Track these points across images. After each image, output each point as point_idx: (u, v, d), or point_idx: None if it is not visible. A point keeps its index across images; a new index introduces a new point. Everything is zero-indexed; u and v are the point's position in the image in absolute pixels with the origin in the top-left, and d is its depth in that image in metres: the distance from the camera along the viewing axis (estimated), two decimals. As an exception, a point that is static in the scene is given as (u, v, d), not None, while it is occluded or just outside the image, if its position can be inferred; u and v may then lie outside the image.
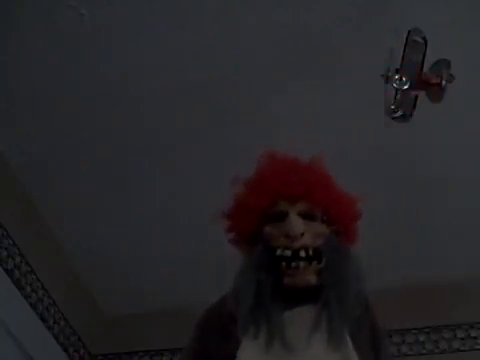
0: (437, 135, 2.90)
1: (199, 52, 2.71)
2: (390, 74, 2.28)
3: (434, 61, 2.34)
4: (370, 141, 2.91)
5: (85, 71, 2.79)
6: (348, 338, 1.66)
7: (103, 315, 3.69)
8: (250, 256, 1.79)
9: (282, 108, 2.86)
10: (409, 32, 2.28)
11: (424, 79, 2.31)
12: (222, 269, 3.42)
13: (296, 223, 1.75)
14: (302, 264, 1.71)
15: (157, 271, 3.49)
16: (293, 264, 1.71)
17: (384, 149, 2.94)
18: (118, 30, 2.66)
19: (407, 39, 2.28)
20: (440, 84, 2.31)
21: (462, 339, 3.34)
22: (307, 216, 1.78)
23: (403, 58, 2.29)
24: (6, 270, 3.05)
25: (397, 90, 2.30)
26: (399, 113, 2.36)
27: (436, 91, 2.33)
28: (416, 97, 2.36)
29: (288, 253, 1.72)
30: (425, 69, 2.32)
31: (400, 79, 2.28)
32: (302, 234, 1.74)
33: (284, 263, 1.72)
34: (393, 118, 2.39)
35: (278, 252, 1.74)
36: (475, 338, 3.35)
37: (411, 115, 2.39)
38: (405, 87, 2.29)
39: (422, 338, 3.39)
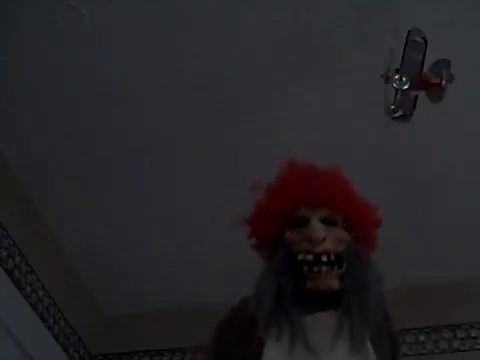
0: (437, 135, 2.90)
1: (199, 52, 2.71)
2: (390, 74, 2.28)
3: (434, 61, 2.34)
4: (370, 141, 2.91)
5: (85, 71, 2.79)
6: (369, 344, 1.68)
7: (103, 315, 3.69)
8: (271, 261, 1.81)
9: (282, 108, 2.86)
10: (409, 32, 2.28)
11: (424, 79, 2.31)
12: (222, 269, 3.44)
13: (318, 228, 1.77)
14: (324, 268, 1.73)
15: (157, 271, 3.49)
16: (315, 268, 1.73)
17: (384, 149, 2.94)
18: (118, 30, 2.66)
19: (407, 39, 2.28)
20: (440, 84, 2.31)
21: (462, 339, 3.34)
22: (328, 222, 1.80)
23: (403, 58, 2.29)
24: (6, 270, 3.05)
25: (397, 90, 2.30)
26: (399, 113, 2.36)
27: (436, 91, 2.33)
28: (416, 97, 2.36)
29: (310, 257, 1.74)
30: (425, 69, 2.32)
31: (400, 79, 2.28)
32: (324, 239, 1.76)
33: (306, 267, 1.74)
34: (393, 118, 2.39)
35: (300, 257, 1.75)
36: (475, 338, 3.35)
37: (411, 115, 2.39)
38: (405, 87, 2.29)
39: (422, 338, 3.39)
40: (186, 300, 3.56)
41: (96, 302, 3.67)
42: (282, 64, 2.73)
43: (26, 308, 3.16)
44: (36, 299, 3.24)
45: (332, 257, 1.75)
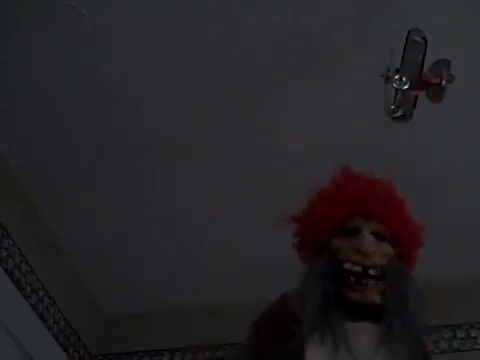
0: (437, 135, 2.90)
1: (199, 52, 2.71)
2: (390, 74, 2.28)
3: (434, 61, 2.34)
4: (370, 141, 2.91)
5: (85, 71, 2.79)
6: None
7: (103, 315, 3.69)
8: (315, 264, 1.81)
9: (282, 108, 2.86)
10: (409, 32, 2.28)
11: (424, 79, 2.31)
12: (222, 269, 3.44)
13: (370, 241, 1.78)
14: (371, 282, 1.75)
15: (157, 271, 3.49)
16: (363, 281, 1.75)
17: (384, 149, 2.94)
18: (118, 30, 2.66)
19: (407, 39, 2.28)
20: (440, 84, 2.31)
21: (462, 339, 3.34)
22: (378, 235, 1.81)
23: (403, 58, 2.29)
24: (6, 270, 3.05)
25: (397, 90, 2.29)
26: (399, 113, 2.36)
27: (436, 91, 2.33)
28: (416, 97, 2.36)
29: (358, 269, 1.76)
30: (425, 69, 2.32)
31: (400, 79, 2.28)
32: (374, 252, 1.78)
33: (353, 278, 1.75)
34: (393, 118, 2.39)
35: (346, 266, 1.77)
36: (475, 338, 3.35)
37: (411, 115, 2.39)
38: (405, 87, 2.29)
39: (422, 338, 3.39)
40: (186, 300, 3.56)
41: (96, 302, 3.67)
42: (282, 64, 2.73)
43: (26, 308, 3.16)
44: (36, 299, 3.24)
45: (379, 271, 1.77)
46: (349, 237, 1.80)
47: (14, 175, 3.16)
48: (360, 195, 1.83)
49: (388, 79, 2.29)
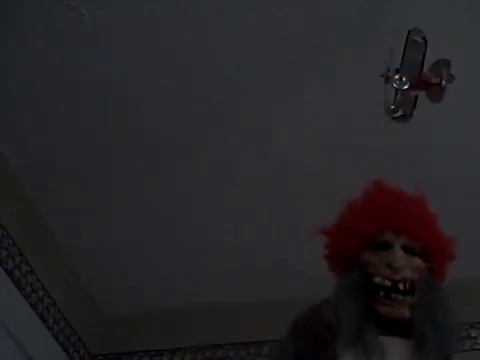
0: (437, 135, 2.90)
1: (199, 52, 2.71)
2: (390, 74, 2.28)
3: (434, 61, 2.34)
4: (370, 141, 2.91)
5: (85, 71, 2.79)
6: None
7: (103, 315, 3.69)
8: (345, 277, 1.84)
9: (282, 108, 2.86)
10: (409, 32, 2.28)
11: (424, 79, 2.31)
12: (222, 269, 3.44)
13: (401, 256, 1.80)
14: (400, 297, 1.77)
15: (157, 271, 3.49)
16: (392, 296, 1.77)
17: (384, 149, 2.94)
18: (118, 30, 2.66)
19: (407, 39, 2.28)
20: (440, 84, 2.31)
21: (462, 339, 3.34)
22: (408, 250, 1.83)
23: (403, 58, 2.29)
24: (6, 270, 3.05)
25: (397, 90, 2.30)
26: (399, 113, 2.36)
27: (436, 91, 2.33)
28: (416, 97, 2.36)
29: (388, 283, 1.78)
30: (425, 69, 2.32)
31: (400, 79, 2.28)
32: (404, 267, 1.80)
33: (382, 293, 1.77)
34: (393, 118, 2.39)
35: (376, 280, 1.79)
36: (475, 338, 3.34)
37: (411, 115, 2.39)
38: (405, 87, 2.29)
39: (422, 338, 3.38)
40: (186, 300, 3.56)
41: (96, 302, 3.67)
42: (282, 64, 2.73)
43: (26, 308, 3.16)
44: (36, 299, 3.24)
45: (408, 286, 1.79)
46: (379, 251, 1.82)
47: (14, 175, 3.16)
48: (390, 210, 1.85)
49: (388, 79, 2.29)
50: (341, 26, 2.61)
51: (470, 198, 3.11)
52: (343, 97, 2.81)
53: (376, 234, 1.83)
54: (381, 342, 1.72)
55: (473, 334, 3.35)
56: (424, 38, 2.28)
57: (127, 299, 3.64)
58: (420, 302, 1.79)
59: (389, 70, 2.28)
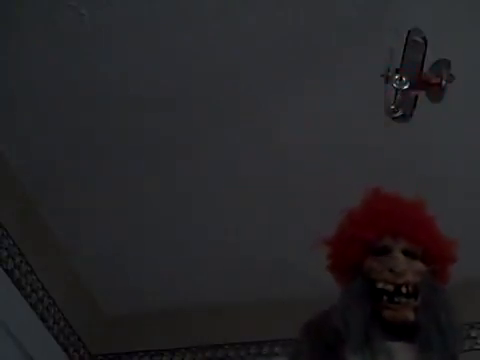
0: (437, 135, 2.90)
1: (199, 52, 2.71)
2: (390, 74, 2.28)
3: (434, 61, 2.34)
4: (370, 141, 2.91)
5: (85, 71, 2.79)
6: None
7: (103, 315, 3.69)
8: (350, 285, 1.86)
9: (282, 108, 2.86)
10: (409, 32, 2.28)
11: (424, 79, 2.31)
12: (222, 269, 3.44)
13: (401, 260, 1.82)
14: (403, 300, 1.79)
15: (157, 271, 3.49)
16: (395, 299, 1.78)
17: (384, 149, 2.94)
18: (118, 30, 2.67)
19: (407, 39, 2.28)
20: (440, 84, 2.31)
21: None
22: (409, 254, 1.85)
23: (403, 58, 2.29)
24: (6, 270, 3.05)
25: (397, 90, 2.30)
26: (399, 113, 2.36)
27: (436, 91, 2.33)
28: (416, 97, 2.36)
29: (390, 288, 1.79)
30: (425, 69, 2.32)
31: (400, 79, 2.28)
32: (405, 270, 1.82)
33: (386, 297, 1.79)
34: (393, 118, 2.39)
35: (379, 285, 1.81)
36: (475, 338, 3.35)
37: (411, 115, 2.39)
38: (405, 87, 2.29)
39: (422, 338, 3.38)
40: (186, 300, 3.56)
41: (96, 302, 3.67)
42: (282, 64, 2.73)
43: (26, 308, 3.16)
44: (36, 299, 3.24)
45: (410, 289, 1.80)
46: (380, 257, 1.84)
47: (14, 175, 3.16)
48: (389, 216, 1.87)
49: (388, 79, 2.29)
50: (341, 26, 2.61)
51: (470, 198, 3.11)
52: (343, 97, 2.81)
53: (376, 240, 1.85)
54: (388, 347, 1.74)
55: (473, 334, 3.35)
56: (424, 38, 2.28)
57: (127, 299, 3.63)
58: (424, 305, 1.80)
59: (389, 70, 2.29)
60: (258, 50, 2.70)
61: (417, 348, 1.76)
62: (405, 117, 2.38)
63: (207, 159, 3.07)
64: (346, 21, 2.60)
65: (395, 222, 1.86)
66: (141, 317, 3.66)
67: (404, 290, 1.79)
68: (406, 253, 1.84)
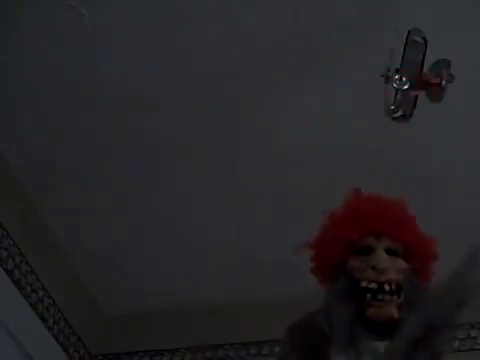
0: (437, 135, 2.90)
1: (199, 52, 2.72)
2: (390, 74, 2.28)
3: (434, 61, 2.34)
4: (370, 141, 2.91)
5: (85, 71, 2.79)
6: None
7: (103, 315, 3.69)
8: (334, 285, 1.87)
9: (282, 108, 2.86)
10: (409, 32, 2.29)
11: (424, 79, 2.32)
12: (222, 269, 3.44)
13: (384, 258, 1.84)
14: (387, 297, 1.80)
15: (157, 271, 3.49)
16: (379, 297, 1.79)
17: (384, 149, 2.94)
18: (118, 30, 2.67)
19: (407, 39, 2.28)
20: (440, 84, 2.31)
21: (462, 339, 3.34)
22: (391, 252, 1.86)
23: (403, 58, 2.29)
24: (6, 270, 3.05)
25: (397, 90, 2.30)
26: (399, 113, 2.36)
27: (436, 91, 2.34)
28: (416, 97, 2.36)
29: (374, 286, 1.80)
30: (425, 69, 2.32)
31: (400, 79, 2.28)
32: (388, 268, 1.83)
33: (369, 295, 1.80)
34: (393, 118, 2.39)
35: (363, 284, 1.82)
36: (475, 338, 3.34)
37: (411, 115, 2.39)
38: (405, 87, 2.29)
39: (422, 338, 3.38)
40: (186, 300, 3.56)
41: (96, 302, 3.67)
42: (282, 64, 2.73)
43: (26, 308, 3.16)
44: (36, 299, 3.24)
45: (394, 286, 1.81)
46: (363, 256, 1.85)
47: (14, 175, 3.16)
48: (371, 216, 1.88)
49: (388, 79, 2.29)
50: (341, 26, 2.61)
51: (470, 198, 3.11)
52: (343, 97, 2.81)
53: (359, 240, 1.86)
54: (373, 346, 1.75)
55: (473, 334, 3.34)
56: (424, 38, 2.28)
57: (127, 299, 3.63)
58: (407, 303, 1.82)
59: (389, 70, 2.29)
60: (258, 50, 2.70)
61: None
62: (405, 117, 2.38)
63: (207, 159, 3.07)
64: (346, 21, 2.60)
65: (378, 221, 1.87)
66: (141, 317, 3.66)
67: (387, 288, 1.80)
68: (389, 252, 1.85)
